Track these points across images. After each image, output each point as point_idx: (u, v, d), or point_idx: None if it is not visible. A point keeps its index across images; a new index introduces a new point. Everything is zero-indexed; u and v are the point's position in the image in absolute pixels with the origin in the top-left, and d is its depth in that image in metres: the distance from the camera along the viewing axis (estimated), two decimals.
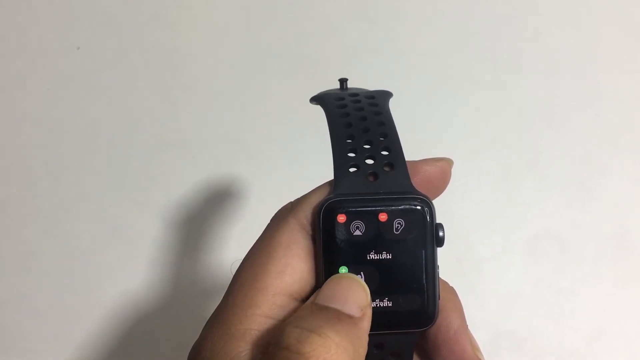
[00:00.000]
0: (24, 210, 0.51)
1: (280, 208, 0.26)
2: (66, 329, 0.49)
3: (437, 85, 0.53)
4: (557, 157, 0.51)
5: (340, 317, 0.22)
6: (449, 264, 0.49)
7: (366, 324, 0.23)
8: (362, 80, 0.54)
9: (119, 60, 0.54)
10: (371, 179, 0.25)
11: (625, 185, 0.51)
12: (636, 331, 0.47)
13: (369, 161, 0.25)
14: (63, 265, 0.50)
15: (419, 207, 0.24)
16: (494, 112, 0.53)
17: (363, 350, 0.22)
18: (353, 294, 0.23)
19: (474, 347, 0.26)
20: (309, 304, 0.23)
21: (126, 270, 0.50)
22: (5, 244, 0.50)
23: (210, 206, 0.51)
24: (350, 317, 0.22)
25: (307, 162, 0.51)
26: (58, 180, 0.52)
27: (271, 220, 0.26)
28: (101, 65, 0.54)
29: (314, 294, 0.23)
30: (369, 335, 0.24)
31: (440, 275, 0.26)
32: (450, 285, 0.27)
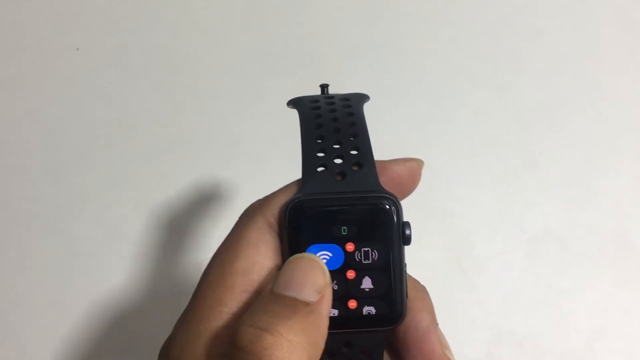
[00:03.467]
0: (24, 210, 0.51)
1: (248, 206, 0.26)
2: (65, 328, 0.49)
3: (437, 85, 0.53)
4: (557, 157, 0.51)
5: (295, 308, 0.21)
6: (449, 263, 0.49)
7: (324, 307, 0.22)
8: (362, 80, 0.54)
9: (119, 60, 0.54)
10: (339, 178, 0.25)
11: (625, 185, 0.51)
12: (636, 331, 0.47)
13: (338, 160, 0.25)
14: (63, 265, 0.50)
15: (385, 206, 0.24)
16: (494, 112, 0.53)
17: (321, 338, 0.22)
18: (310, 276, 0.22)
19: (444, 346, 0.26)
20: (267, 293, 0.22)
21: (126, 270, 0.50)
22: (5, 244, 0.50)
23: (209, 206, 0.51)
24: (306, 305, 0.22)
25: None
26: (58, 180, 0.52)
27: (239, 218, 0.26)
28: (101, 65, 0.54)
29: (272, 279, 0.23)
30: (338, 334, 0.24)
31: (411, 274, 0.26)
32: (422, 284, 0.27)
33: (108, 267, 0.50)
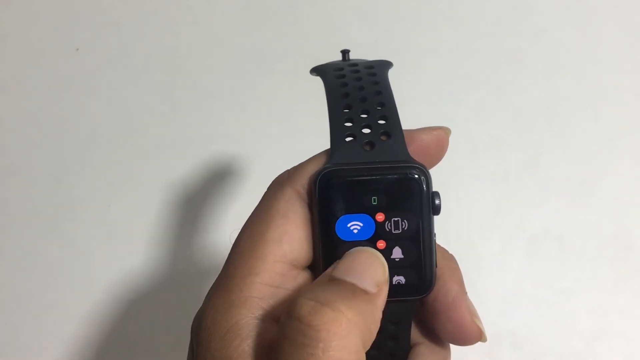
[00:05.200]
0: (24, 210, 0.51)
1: (276, 177, 0.26)
2: (66, 329, 0.49)
3: (436, 85, 0.53)
4: (557, 157, 0.51)
5: (355, 292, 0.22)
6: None
7: (381, 301, 0.22)
8: None
9: (119, 60, 0.54)
10: (367, 148, 0.25)
11: (625, 185, 0.51)
12: (636, 331, 0.47)
13: (366, 130, 0.25)
14: (63, 265, 0.50)
15: (415, 176, 0.24)
16: (494, 112, 0.53)
17: (375, 326, 0.22)
18: (370, 269, 0.22)
19: (473, 314, 0.26)
20: (325, 276, 0.22)
21: (126, 270, 0.50)
22: (5, 244, 0.50)
23: (209, 206, 0.51)
24: (365, 293, 0.22)
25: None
26: (58, 180, 0.52)
27: (268, 189, 0.26)
28: (101, 65, 0.54)
29: (332, 265, 0.23)
30: None
31: (439, 243, 0.26)
32: (450, 253, 0.27)
33: (108, 267, 0.50)
